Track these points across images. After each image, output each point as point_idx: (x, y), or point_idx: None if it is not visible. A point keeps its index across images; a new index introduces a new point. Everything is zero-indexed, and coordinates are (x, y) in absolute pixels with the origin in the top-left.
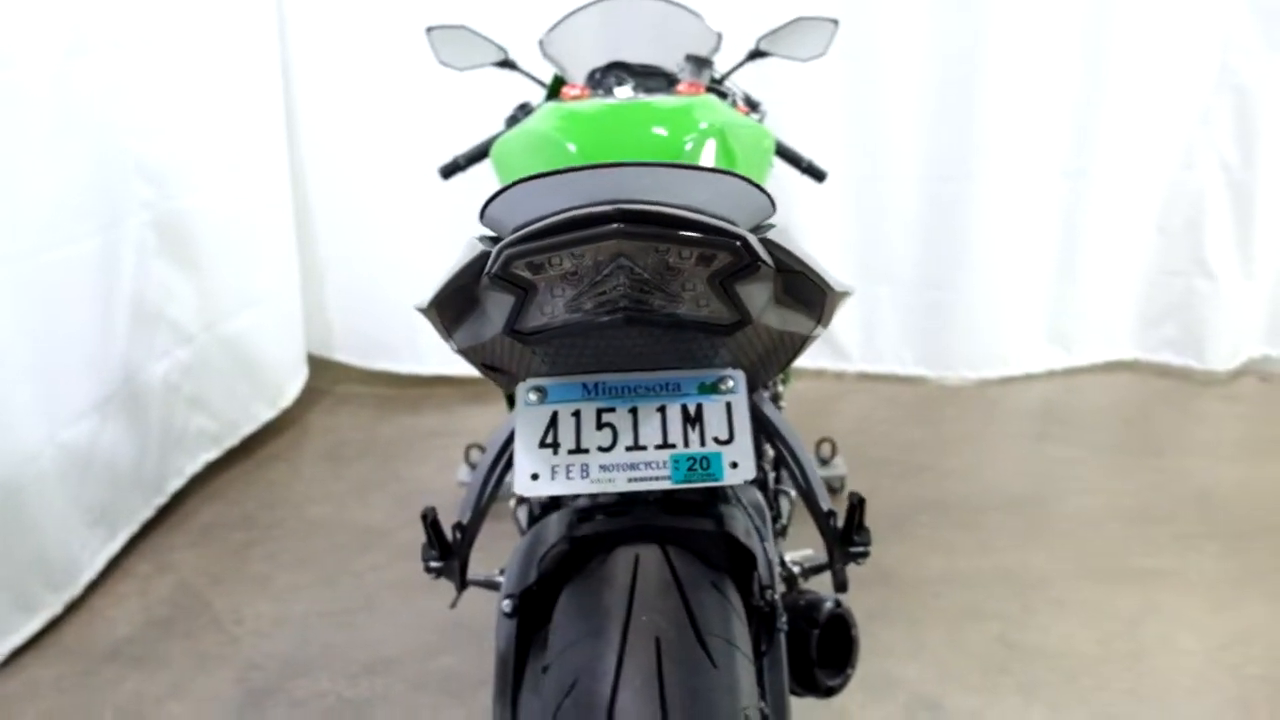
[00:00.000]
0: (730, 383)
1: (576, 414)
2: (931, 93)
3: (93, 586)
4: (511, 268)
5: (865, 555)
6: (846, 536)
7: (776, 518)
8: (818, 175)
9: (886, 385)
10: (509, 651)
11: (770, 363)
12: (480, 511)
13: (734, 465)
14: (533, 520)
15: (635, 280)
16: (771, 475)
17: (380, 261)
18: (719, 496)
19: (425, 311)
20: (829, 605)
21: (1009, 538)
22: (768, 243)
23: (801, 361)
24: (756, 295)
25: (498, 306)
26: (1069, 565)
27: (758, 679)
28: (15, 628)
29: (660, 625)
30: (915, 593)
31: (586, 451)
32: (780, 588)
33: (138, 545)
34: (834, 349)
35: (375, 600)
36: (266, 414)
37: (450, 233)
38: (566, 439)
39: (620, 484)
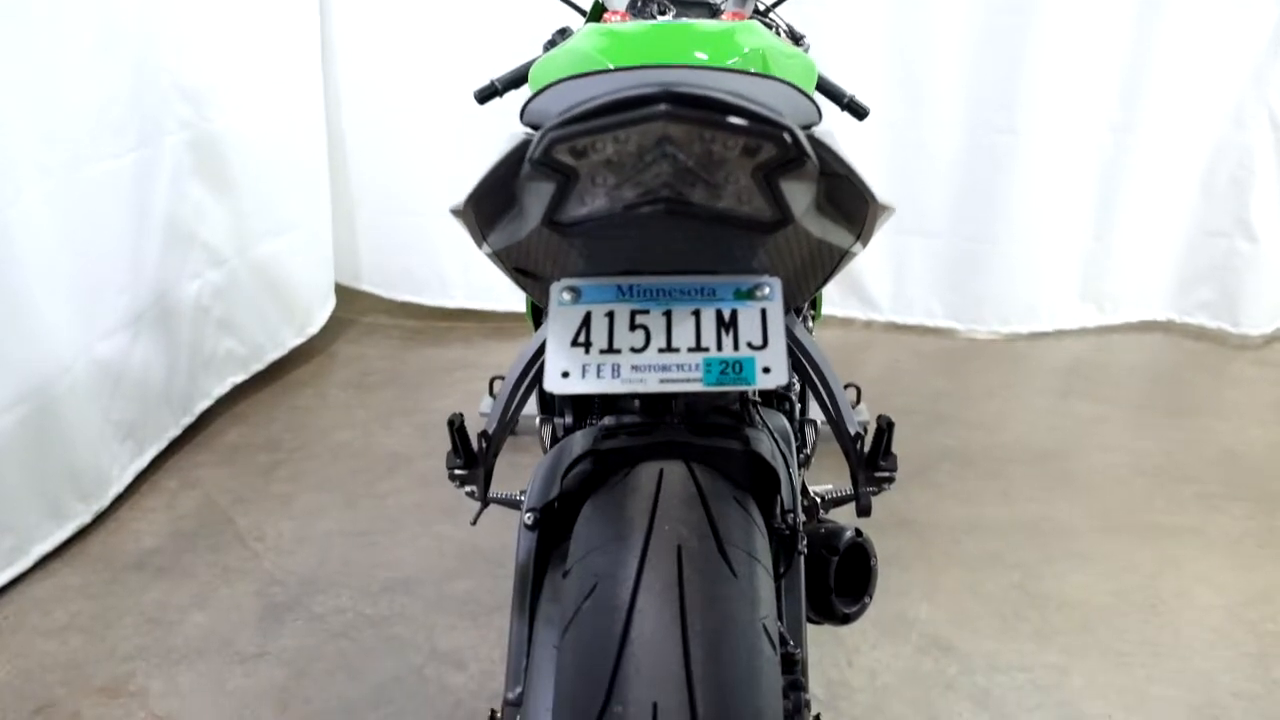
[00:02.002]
0: (766, 289)
1: (610, 315)
2: (978, 39)
3: (120, 499)
4: (554, 152)
5: (890, 480)
6: (872, 460)
7: (801, 447)
8: (859, 113)
9: (914, 336)
10: (528, 564)
11: (807, 277)
12: (506, 423)
13: (766, 370)
14: (555, 441)
15: (678, 170)
16: (799, 406)
17: (411, 192)
18: (746, 420)
19: (461, 213)
20: (849, 534)
21: (1031, 490)
22: (814, 140)
23: (830, 310)
24: (799, 195)
25: (537, 197)
26: (1091, 519)
27: (775, 601)
28: (45, 535)
29: (682, 534)
30: (934, 539)
31: (618, 352)
32: (801, 517)
33: (165, 462)
34: (863, 298)
35: (396, 524)
36: (294, 340)
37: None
38: (599, 339)
39: (651, 384)
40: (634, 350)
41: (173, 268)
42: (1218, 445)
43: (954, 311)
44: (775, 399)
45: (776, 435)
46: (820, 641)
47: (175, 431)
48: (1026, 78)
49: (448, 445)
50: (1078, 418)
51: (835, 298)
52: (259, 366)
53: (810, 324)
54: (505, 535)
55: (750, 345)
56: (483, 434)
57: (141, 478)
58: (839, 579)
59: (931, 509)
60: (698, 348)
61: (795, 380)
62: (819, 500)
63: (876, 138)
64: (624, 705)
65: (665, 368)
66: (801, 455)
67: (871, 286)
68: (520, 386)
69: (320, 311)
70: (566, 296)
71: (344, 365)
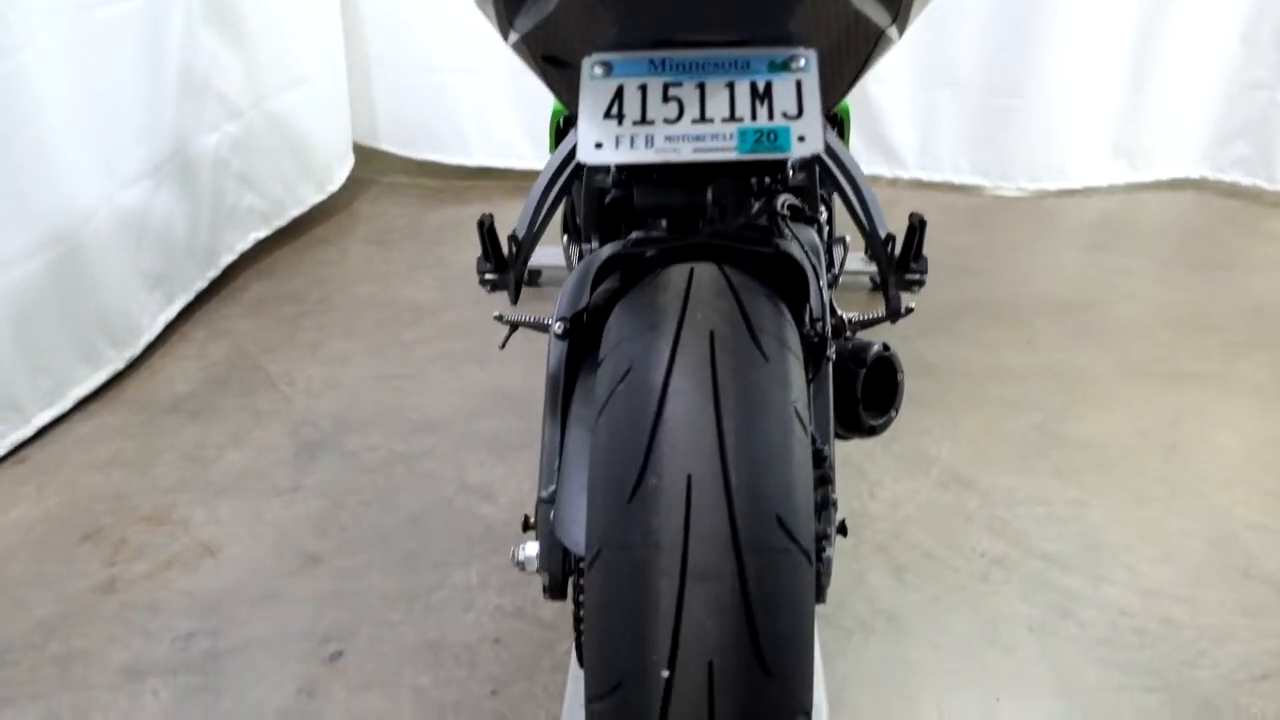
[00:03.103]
0: (802, 61)
1: (643, 88)
2: None
3: (152, 348)
4: None
5: (921, 283)
6: (904, 262)
7: (830, 266)
8: None
9: (941, 193)
10: (559, 371)
11: (842, 60)
12: (537, 226)
13: (801, 139)
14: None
15: None
16: (828, 228)
17: (429, 47)
18: (775, 230)
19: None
20: (877, 348)
21: (1056, 338)
22: None
23: None
24: None
25: None
26: (1114, 365)
27: (806, 389)
28: (81, 378)
29: (714, 321)
30: (957, 384)
31: (652, 123)
32: (830, 326)
33: (193, 313)
34: (888, 154)
35: (422, 369)
36: (314, 197)
37: None
38: (632, 111)
39: (685, 154)
40: (667, 121)
41: (190, 118)
42: (1246, 297)
43: (981, 168)
44: (804, 216)
45: (806, 247)
46: (842, 476)
47: (201, 284)
48: None
49: (471, 298)
50: (1105, 270)
51: (861, 153)
52: (280, 222)
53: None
54: (532, 378)
55: (785, 115)
56: (512, 236)
57: (171, 328)
58: (866, 393)
59: (955, 356)
60: (732, 118)
61: (824, 194)
62: (847, 321)
63: None
64: (659, 478)
65: (699, 138)
66: (830, 275)
67: (898, 142)
68: (550, 191)
69: (339, 169)
70: (598, 71)
71: (365, 222)
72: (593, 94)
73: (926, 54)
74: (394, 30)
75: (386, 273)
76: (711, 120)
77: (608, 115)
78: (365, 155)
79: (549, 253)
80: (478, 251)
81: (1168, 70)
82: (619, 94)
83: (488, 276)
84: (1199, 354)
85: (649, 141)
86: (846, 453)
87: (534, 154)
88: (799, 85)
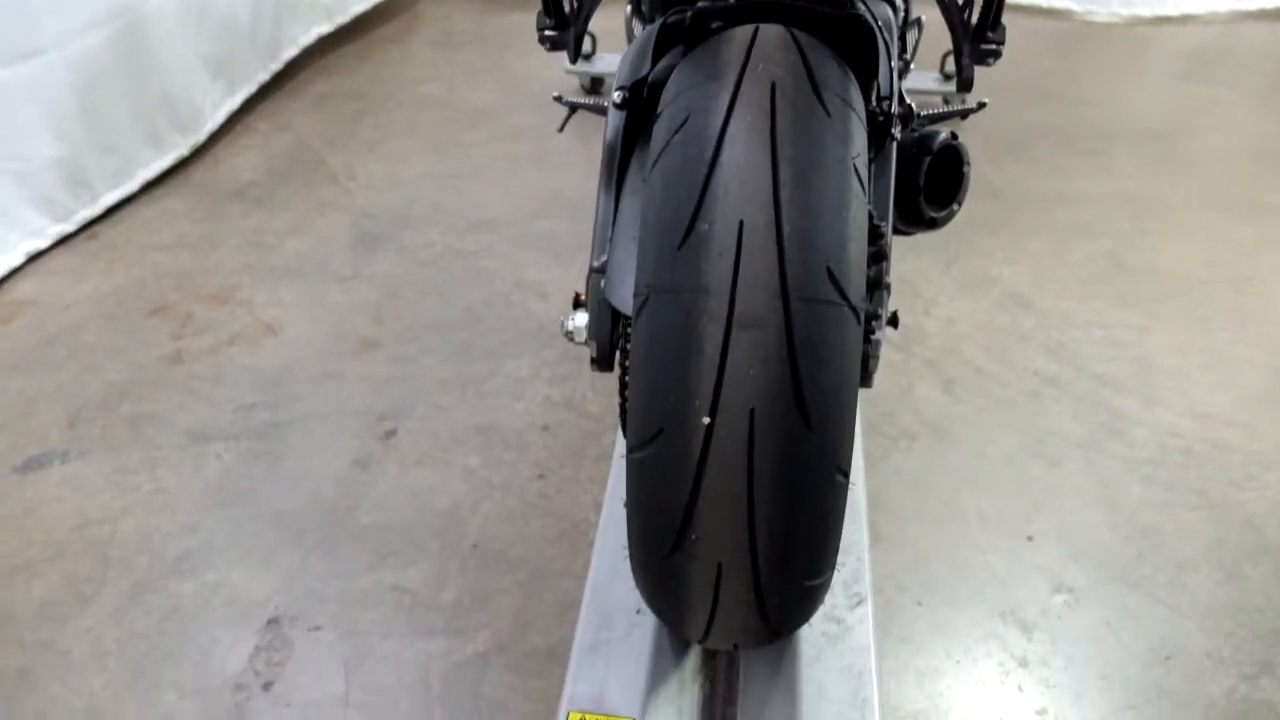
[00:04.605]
0: None
1: None
2: None
3: (215, 138)
4: None
5: (997, 55)
6: (980, 31)
7: (902, 52)
8: None
9: (1028, 18)
10: (616, 141)
11: None
12: None
13: None
14: None
15: None
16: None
17: None
18: (848, 2)
19: None
20: (944, 135)
21: (1134, 166)
22: None
23: None
24: None
25: None
26: (1192, 195)
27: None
28: (147, 161)
29: (776, 73)
30: (1025, 208)
31: None
32: (897, 108)
33: (256, 106)
34: None
35: (481, 170)
36: None
37: None
38: None
39: None
40: None
41: None
42: None
43: None
44: None
45: (879, 20)
46: (898, 291)
47: (264, 76)
48: None
49: (532, 104)
50: (1193, 98)
51: None
52: (343, 18)
53: None
54: (590, 184)
55: None
56: None
57: (234, 120)
58: (929, 183)
59: (1025, 180)
60: None
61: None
62: (915, 112)
63: None
64: (710, 223)
65: None
66: (902, 61)
67: None
68: None
69: None
70: None
71: (429, 24)
72: None
73: None
74: None
75: (449, 74)
76: None
77: None
78: None
79: (615, 60)
80: (538, 59)
81: None
82: None
83: (547, 33)
84: None
85: None
86: (902, 271)
87: None
88: None
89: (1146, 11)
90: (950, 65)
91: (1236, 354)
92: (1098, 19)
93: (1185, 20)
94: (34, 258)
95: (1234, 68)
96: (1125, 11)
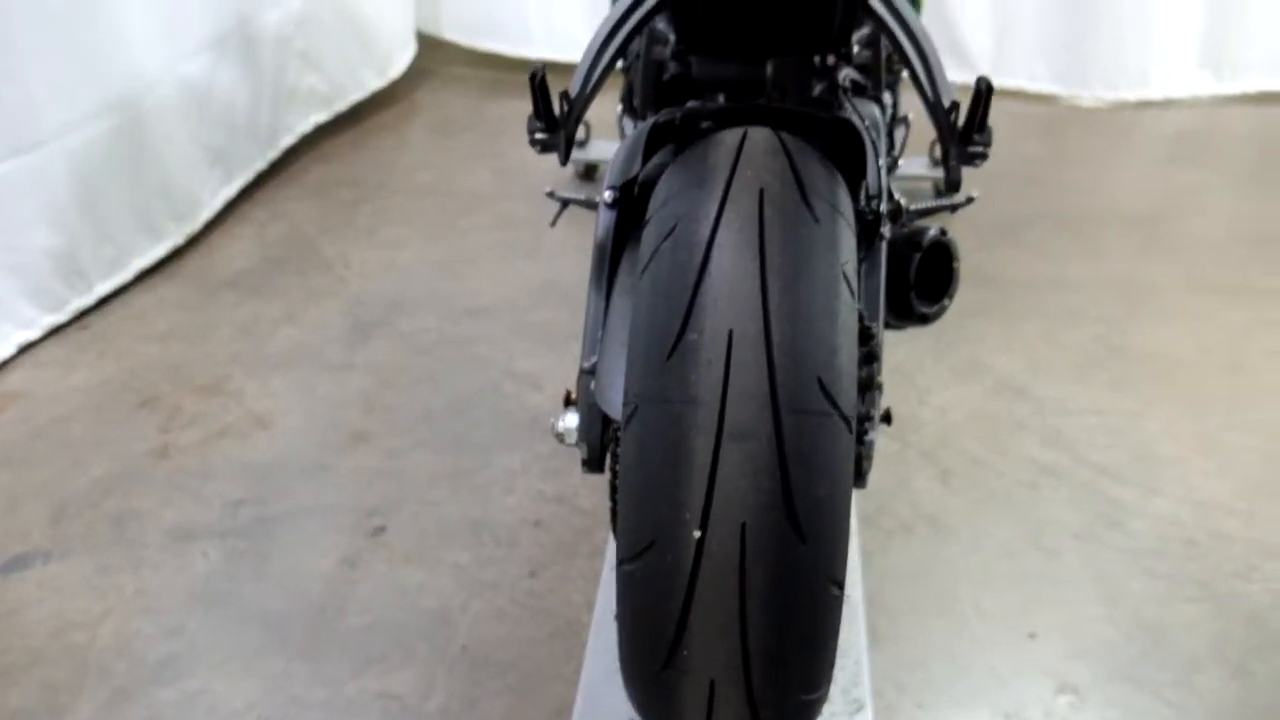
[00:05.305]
0: None
1: None
2: None
3: (211, 226)
4: None
5: (984, 157)
6: (966, 133)
7: (890, 149)
8: None
9: (1014, 101)
10: (607, 240)
11: None
12: (591, 85)
13: None
14: None
15: None
16: (890, 110)
17: None
18: (835, 104)
19: None
20: (933, 232)
21: (1122, 250)
22: None
23: None
24: None
25: None
26: (1181, 279)
27: (856, 256)
28: (142, 250)
29: (765, 179)
30: (1017, 294)
31: None
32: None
33: (253, 194)
34: (961, 57)
35: (477, 257)
36: (375, 83)
37: None
38: None
39: None
40: None
41: None
42: None
43: (1059, 74)
44: (867, 93)
45: (866, 121)
46: (891, 382)
47: (261, 164)
48: None
49: (527, 191)
50: (1178, 183)
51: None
52: (341, 106)
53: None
54: (584, 273)
55: None
56: (564, 94)
57: (231, 208)
58: (920, 279)
59: (1016, 265)
60: None
61: (889, 78)
62: (905, 208)
63: None
64: (699, 333)
65: None
66: (890, 157)
67: (972, 45)
68: (606, 48)
69: (401, 55)
70: None
71: (425, 112)
72: None
73: None
74: None
75: (445, 161)
76: None
77: None
78: (427, 47)
79: (609, 147)
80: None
81: None
82: None
83: (538, 135)
84: (1271, 269)
85: None
86: (897, 360)
87: None
88: None
89: (1130, 95)
90: (937, 152)
91: (1232, 440)
92: (1083, 103)
93: (1167, 104)
94: (25, 349)
95: (1216, 152)
96: (1109, 95)
